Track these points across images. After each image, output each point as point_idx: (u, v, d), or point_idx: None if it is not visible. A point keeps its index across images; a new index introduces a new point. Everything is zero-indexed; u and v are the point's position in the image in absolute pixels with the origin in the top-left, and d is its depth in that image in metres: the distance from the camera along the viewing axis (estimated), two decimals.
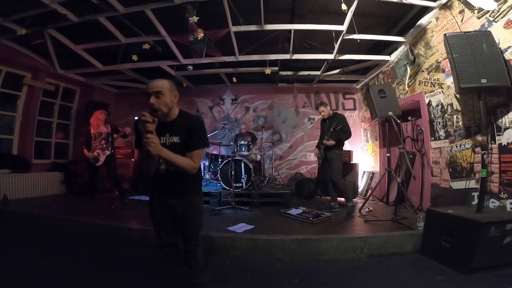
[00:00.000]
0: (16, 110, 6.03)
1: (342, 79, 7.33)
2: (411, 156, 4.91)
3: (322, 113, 4.85)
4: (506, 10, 3.04)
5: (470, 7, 3.52)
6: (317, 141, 5.01)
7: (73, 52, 5.44)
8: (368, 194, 5.34)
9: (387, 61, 5.76)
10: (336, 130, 4.36)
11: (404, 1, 3.91)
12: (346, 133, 4.53)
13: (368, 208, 4.57)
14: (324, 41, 5.17)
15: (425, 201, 4.51)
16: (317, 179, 6.23)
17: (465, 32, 3.19)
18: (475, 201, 3.30)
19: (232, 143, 6.74)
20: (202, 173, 2.25)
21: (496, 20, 3.17)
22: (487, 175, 3.02)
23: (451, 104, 3.94)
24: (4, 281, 2.46)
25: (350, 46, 5.22)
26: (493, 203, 3.17)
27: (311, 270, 2.82)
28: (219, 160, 6.25)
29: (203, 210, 2.18)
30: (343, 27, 4.53)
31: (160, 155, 1.72)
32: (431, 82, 4.38)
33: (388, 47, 5.59)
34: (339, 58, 5.54)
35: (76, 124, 7.41)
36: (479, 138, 3.31)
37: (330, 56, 5.46)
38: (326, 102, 5.13)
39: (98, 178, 5.44)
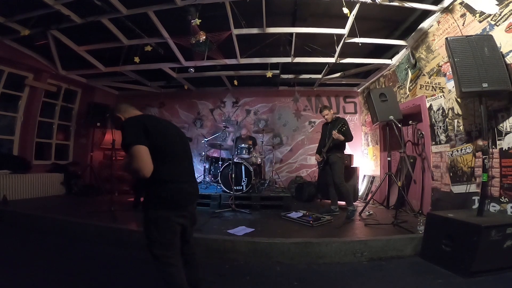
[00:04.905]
0: (18, 111, 6.05)
1: (343, 82, 7.34)
2: (411, 160, 4.90)
3: (325, 116, 4.81)
4: (508, 13, 3.05)
5: (472, 10, 3.54)
6: (317, 144, 5.00)
7: (76, 53, 5.47)
8: (369, 197, 5.33)
9: (388, 64, 5.77)
10: (341, 131, 4.37)
11: (406, 5, 3.92)
12: (348, 135, 4.52)
13: (369, 212, 4.56)
14: (325, 45, 5.18)
15: (425, 205, 4.49)
16: (318, 183, 6.22)
17: (467, 36, 3.21)
18: (476, 205, 3.29)
19: (232, 145, 6.74)
20: (162, 177, 1.76)
21: (497, 24, 3.18)
22: (487, 180, 3.02)
23: (452, 108, 3.94)
24: (3, 282, 2.45)
25: (351, 50, 5.24)
26: (493, 207, 3.16)
27: (311, 273, 2.81)
28: (220, 163, 6.24)
29: (151, 225, 1.77)
30: (344, 31, 4.55)
31: None
32: (432, 86, 4.38)
33: (389, 51, 5.61)
34: (340, 61, 5.55)
35: (77, 126, 7.43)
36: (480, 142, 3.31)
37: (332, 60, 5.47)
38: (329, 105, 5.13)
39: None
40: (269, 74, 5.96)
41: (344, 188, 4.47)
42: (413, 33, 4.70)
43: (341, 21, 4.34)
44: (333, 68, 6.05)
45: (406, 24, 4.71)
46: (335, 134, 4.35)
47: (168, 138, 1.86)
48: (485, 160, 2.99)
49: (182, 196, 1.85)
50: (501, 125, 3.13)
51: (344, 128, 4.39)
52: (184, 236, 1.94)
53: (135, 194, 4.97)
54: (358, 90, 7.75)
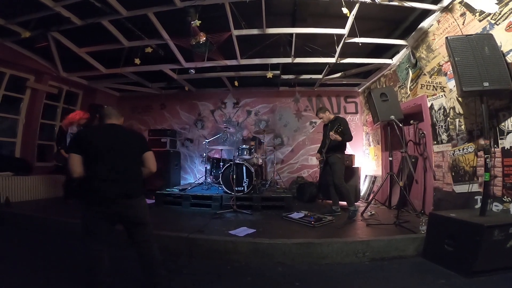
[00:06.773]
0: (19, 113, 6.07)
1: (343, 82, 7.34)
2: (413, 160, 4.88)
3: (321, 119, 4.87)
4: (508, 12, 3.04)
5: (472, 10, 3.53)
6: (319, 145, 5.00)
7: (76, 55, 5.49)
8: (370, 198, 5.32)
9: (388, 64, 5.76)
10: (338, 132, 4.35)
11: (406, 4, 3.92)
12: (347, 135, 4.49)
13: (370, 212, 4.54)
14: (325, 45, 5.18)
15: (427, 205, 4.48)
16: (319, 183, 6.21)
17: (467, 35, 3.20)
18: (478, 205, 3.27)
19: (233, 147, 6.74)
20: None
21: (497, 23, 3.17)
22: (490, 179, 3.01)
23: (453, 108, 3.93)
24: (5, 283, 2.46)
25: (351, 50, 5.24)
26: (496, 207, 3.14)
27: (313, 274, 2.80)
28: (221, 164, 6.24)
29: (81, 215, 2.15)
30: (344, 31, 4.55)
31: None
32: (433, 86, 4.37)
33: (389, 51, 5.59)
34: (341, 61, 5.55)
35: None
36: (481, 141, 3.30)
37: (332, 60, 5.47)
38: (326, 107, 5.12)
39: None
40: (269, 74, 5.96)
41: (344, 189, 4.46)
42: (413, 33, 4.69)
43: (341, 21, 4.33)
44: (334, 68, 6.05)
45: (406, 23, 4.70)
46: (332, 135, 4.33)
47: (94, 145, 2.10)
48: (487, 160, 2.98)
49: (95, 196, 2.06)
50: (502, 124, 3.11)
51: (340, 129, 4.36)
52: (129, 231, 2.26)
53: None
54: (359, 90, 7.74)
